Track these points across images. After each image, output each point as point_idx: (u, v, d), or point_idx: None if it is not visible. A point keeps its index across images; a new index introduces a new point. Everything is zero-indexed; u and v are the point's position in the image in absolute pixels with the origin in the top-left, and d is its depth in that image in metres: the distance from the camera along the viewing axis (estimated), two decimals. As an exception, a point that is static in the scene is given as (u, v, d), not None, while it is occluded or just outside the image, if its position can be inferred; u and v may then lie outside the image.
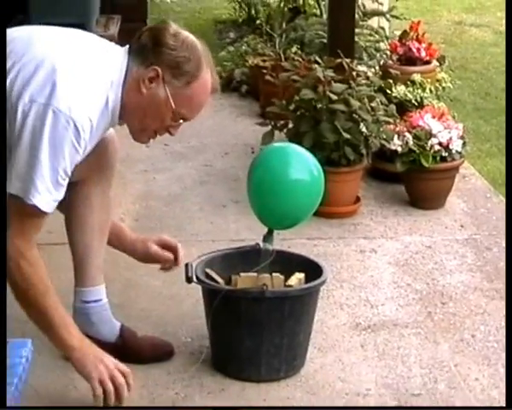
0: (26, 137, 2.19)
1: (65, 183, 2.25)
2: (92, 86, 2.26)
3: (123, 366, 2.36)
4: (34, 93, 2.19)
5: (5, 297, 2.07)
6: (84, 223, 2.55)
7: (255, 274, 2.57)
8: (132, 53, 2.30)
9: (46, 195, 2.22)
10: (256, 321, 2.50)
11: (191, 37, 2.33)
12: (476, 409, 2.18)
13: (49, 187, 2.21)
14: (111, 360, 2.35)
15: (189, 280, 2.55)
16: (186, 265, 2.58)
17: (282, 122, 3.77)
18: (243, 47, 5.75)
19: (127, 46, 2.33)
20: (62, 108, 2.18)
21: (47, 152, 2.19)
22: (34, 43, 2.29)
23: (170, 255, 2.69)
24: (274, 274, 2.60)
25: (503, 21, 4.49)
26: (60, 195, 2.26)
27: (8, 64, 2.22)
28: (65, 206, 2.56)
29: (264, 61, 5.13)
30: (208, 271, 2.63)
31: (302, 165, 2.63)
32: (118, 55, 2.32)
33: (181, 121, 2.35)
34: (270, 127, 3.80)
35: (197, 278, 2.56)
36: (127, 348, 2.59)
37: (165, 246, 2.70)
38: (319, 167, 2.64)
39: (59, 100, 2.18)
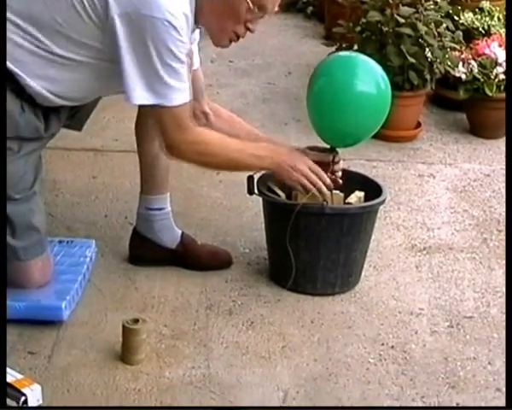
0: (131, 50, 2.21)
1: (185, 68, 2.28)
2: None
3: (314, 167, 2.49)
4: (126, 5, 2.18)
5: (5, 298, 2.11)
6: (153, 133, 2.55)
7: (316, 190, 2.58)
8: None
9: (182, 88, 2.27)
10: (314, 236, 2.53)
11: None
12: (476, 409, 2.21)
13: (175, 82, 2.25)
14: (303, 162, 2.47)
15: (250, 192, 2.59)
16: (248, 177, 2.60)
17: (347, 44, 3.76)
18: (311, -32, 5.70)
19: None
20: (156, 13, 2.17)
21: (162, 57, 2.21)
22: None
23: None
24: (334, 191, 2.61)
25: None
26: (188, 80, 2.30)
27: None
28: (137, 115, 2.62)
29: (331, -18, 5.09)
30: (270, 184, 2.65)
31: (368, 76, 2.50)
32: None
33: (258, 13, 2.32)
34: (334, 48, 3.79)
35: (258, 190, 2.59)
36: (187, 255, 2.67)
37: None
38: (387, 80, 2.52)
39: (151, 7, 2.17)
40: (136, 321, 2.23)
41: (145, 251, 2.67)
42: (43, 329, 2.33)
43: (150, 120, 2.56)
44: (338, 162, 2.62)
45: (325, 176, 2.50)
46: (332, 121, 2.52)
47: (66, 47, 2.26)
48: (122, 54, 2.22)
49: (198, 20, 2.33)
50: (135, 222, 2.70)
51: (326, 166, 2.59)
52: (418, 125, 3.81)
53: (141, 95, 2.25)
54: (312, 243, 2.54)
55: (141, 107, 2.37)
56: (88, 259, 2.56)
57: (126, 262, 2.69)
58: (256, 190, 2.59)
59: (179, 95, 2.28)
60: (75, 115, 2.52)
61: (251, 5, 2.31)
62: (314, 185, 2.47)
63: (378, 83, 2.51)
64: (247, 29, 2.37)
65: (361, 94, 2.49)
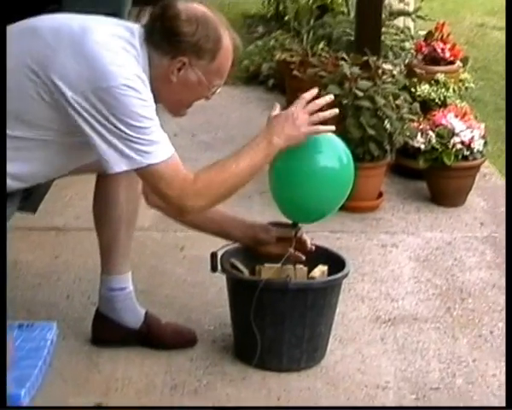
0: (95, 125, 2.20)
1: (158, 125, 2.26)
2: (127, 57, 2.26)
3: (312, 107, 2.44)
4: (79, 85, 2.20)
5: (5, 297, 2.05)
6: (110, 213, 2.58)
7: (279, 265, 2.58)
8: (149, 44, 2.30)
9: (157, 142, 2.24)
10: (278, 312, 2.52)
11: (200, 11, 2.32)
12: (476, 409, 2.20)
13: (148, 140, 2.23)
14: (302, 119, 2.42)
15: (213, 269, 2.59)
16: (211, 254, 2.60)
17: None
18: (271, 42, 5.80)
19: (142, 35, 2.31)
20: (112, 82, 2.18)
21: (127, 122, 2.20)
22: (61, 32, 2.29)
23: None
24: (297, 266, 2.63)
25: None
26: (164, 134, 2.27)
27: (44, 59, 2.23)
28: (93, 195, 2.61)
29: (291, 56, 5.17)
30: (233, 260, 2.66)
31: (330, 151, 2.49)
32: (138, 46, 2.30)
33: (215, 89, 2.39)
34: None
35: (222, 267, 2.59)
36: (151, 335, 2.65)
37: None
38: (349, 154, 2.51)
39: (106, 77, 2.19)
40: (98, 408, 2.19)
41: (108, 332, 2.64)
42: (3, 417, 2.27)
43: (107, 198, 2.57)
44: (301, 237, 2.64)
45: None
46: (295, 197, 2.52)
47: (23, 131, 2.25)
48: (87, 131, 2.22)
49: (155, 98, 2.35)
50: (97, 302, 2.68)
51: (289, 241, 2.60)
52: (380, 195, 3.85)
53: (117, 162, 2.24)
54: (277, 319, 2.54)
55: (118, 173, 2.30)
56: (49, 342, 2.52)
57: (89, 344, 2.65)
58: (219, 267, 2.59)
59: (158, 149, 2.25)
60: (29, 198, 2.50)
61: (211, 87, 2.37)
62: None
63: (340, 157, 2.51)
64: (205, 98, 2.42)
65: (323, 169, 2.49)
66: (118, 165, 2.25)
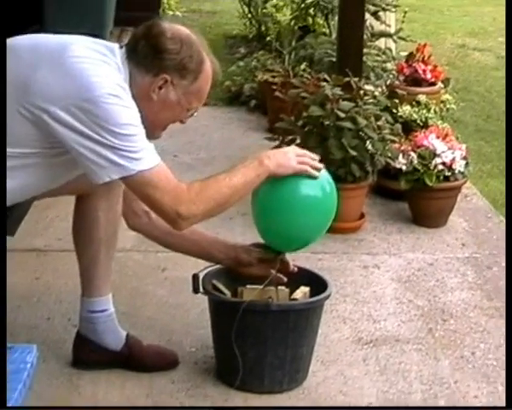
0: (79, 138, 2.20)
1: (143, 133, 2.25)
2: (108, 68, 2.26)
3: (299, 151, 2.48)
4: (59, 99, 2.19)
5: (5, 298, 2.06)
6: (89, 235, 2.56)
7: (261, 286, 2.58)
8: (132, 62, 2.31)
9: (143, 149, 2.23)
10: (260, 333, 2.52)
11: (184, 32, 2.36)
12: (476, 409, 2.20)
13: (133, 147, 2.22)
14: (293, 154, 2.45)
15: (195, 291, 2.59)
16: (193, 275, 2.60)
17: (289, 137, 3.81)
18: (253, 62, 5.83)
19: (123, 54, 2.33)
20: (95, 92, 2.18)
21: (114, 130, 2.19)
22: (40, 49, 2.30)
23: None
24: (279, 287, 2.62)
25: (504, 46, 4.55)
26: (150, 143, 2.27)
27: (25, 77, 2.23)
28: (73, 217, 2.60)
29: (273, 77, 5.20)
30: (215, 282, 2.65)
31: (313, 180, 2.46)
32: (119, 62, 2.31)
33: (193, 111, 2.41)
34: (277, 142, 3.84)
35: (204, 288, 2.58)
36: (132, 357, 2.63)
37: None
38: (332, 183, 2.51)
39: (88, 88, 2.19)
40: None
41: (89, 354, 2.63)
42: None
43: (87, 220, 2.55)
44: (283, 259, 2.64)
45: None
46: (278, 227, 2.51)
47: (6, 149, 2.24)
48: (72, 145, 2.21)
49: None
50: (78, 324, 2.66)
51: (271, 263, 2.60)
52: (362, 215, 3.86)
53: (106, 172, 2.22)
54: (259, 340, 2.53)
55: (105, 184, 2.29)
56: (29, 365, 2.47)
57: (70, 366, 2.63)
58: (201, 289, 2.58)
59: (146, 156, 2.24)
60: (6, 220, 2.48)
61: (190, 108, 2.39)
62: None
63: (323, 186, 2.50)
64: (181, 122, 2.43)
65: (306, 198, 2.48)
66: (107, 174, 2.23)
